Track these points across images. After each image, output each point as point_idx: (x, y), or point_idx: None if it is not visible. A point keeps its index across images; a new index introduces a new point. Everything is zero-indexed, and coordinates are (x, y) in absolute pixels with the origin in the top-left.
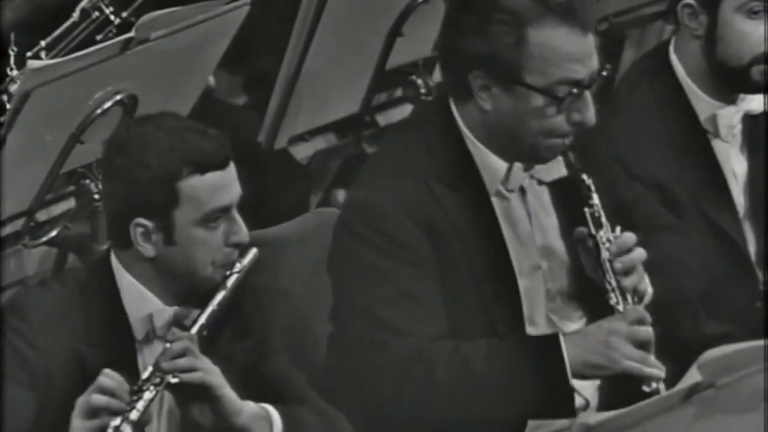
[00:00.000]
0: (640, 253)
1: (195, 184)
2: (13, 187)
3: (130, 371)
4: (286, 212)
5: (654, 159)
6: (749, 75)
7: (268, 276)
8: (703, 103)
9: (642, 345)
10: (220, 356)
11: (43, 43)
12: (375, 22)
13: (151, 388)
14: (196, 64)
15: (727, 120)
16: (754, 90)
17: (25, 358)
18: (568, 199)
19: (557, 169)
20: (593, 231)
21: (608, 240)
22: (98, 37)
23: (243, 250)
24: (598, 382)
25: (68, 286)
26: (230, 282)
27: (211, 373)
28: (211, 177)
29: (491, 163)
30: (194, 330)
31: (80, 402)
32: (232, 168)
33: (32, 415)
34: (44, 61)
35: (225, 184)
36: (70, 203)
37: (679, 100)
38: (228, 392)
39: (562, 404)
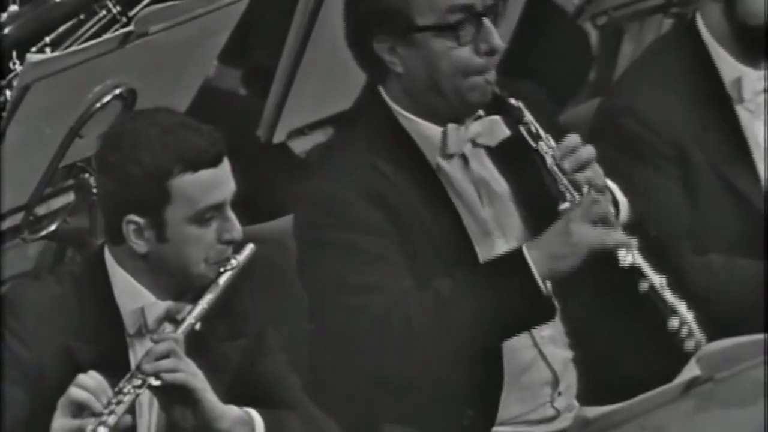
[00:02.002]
0: (588, 150)
1: (187, 181)
2: (13, 181)
3: (121, 366)
4: (284, 206)
5: (674, 116)
6: None
7: (265, 272)
8: (728, 64)
9: (603, 220)
10: (212, 354)
11: (47, 39)
12: None
13: (131, 390)
14: (196, 57)
15: (752, 84)
16: None
17: (18, 356)
18: (517, 163)
19: (500, 130)
20: (533, 145)
21: (550, 148)
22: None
23: (238, 246)
24: (569, 355)
25: (63, 280)
26: (223, 279)
27: (193, 375)
28: (204, 174)
29: (425, 132)
30: (181, 329)
31: (61, 401)
32: (225, 165)
33: (26, 413)
34: (43, 55)
35: (218, 181)
36: (69, 197)
37: (704, 62)
38: (209, 396)
39: (538, 310)
